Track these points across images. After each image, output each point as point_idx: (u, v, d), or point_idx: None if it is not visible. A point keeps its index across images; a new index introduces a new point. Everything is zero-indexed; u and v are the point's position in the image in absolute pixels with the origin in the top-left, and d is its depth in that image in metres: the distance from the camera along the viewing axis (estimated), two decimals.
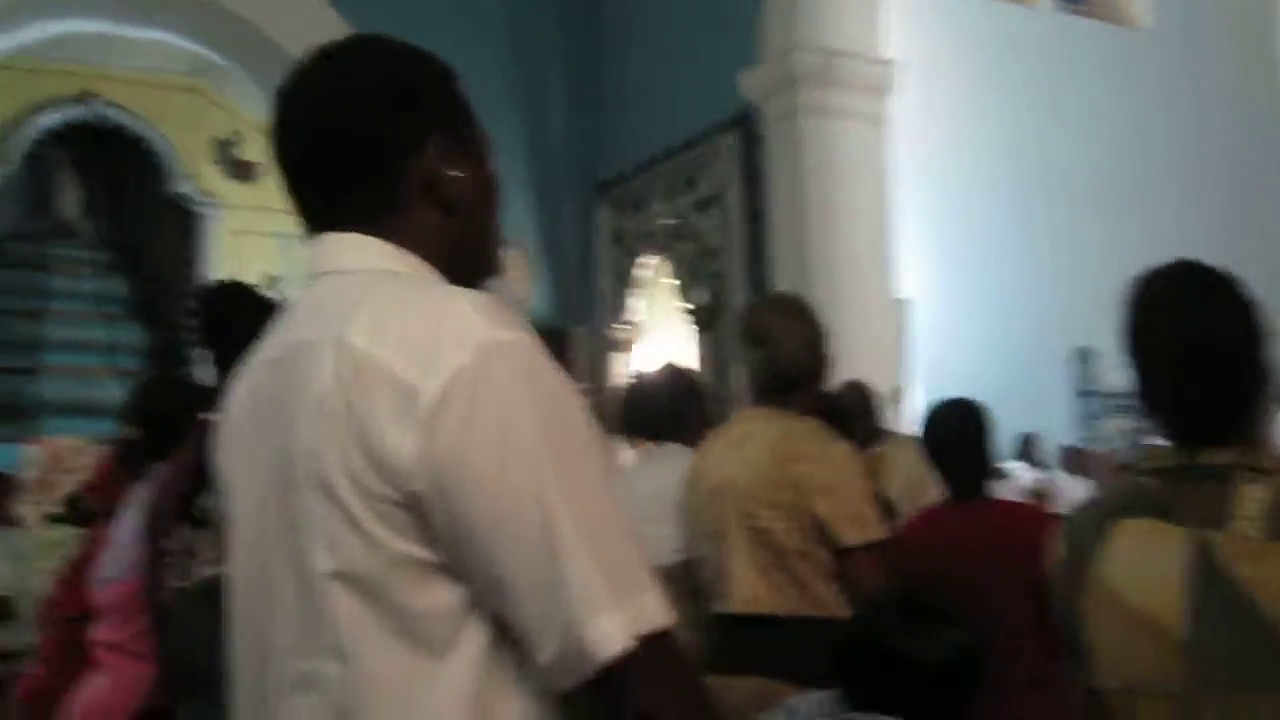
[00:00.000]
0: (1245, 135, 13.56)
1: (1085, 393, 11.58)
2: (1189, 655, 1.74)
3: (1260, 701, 1.69)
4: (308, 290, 1.36)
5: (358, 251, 1.33)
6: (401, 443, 1.16)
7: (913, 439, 3.99)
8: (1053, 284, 11.20)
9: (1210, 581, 1.73)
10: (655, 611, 1.19)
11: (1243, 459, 1.78)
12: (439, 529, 1.17)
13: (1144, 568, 1.80)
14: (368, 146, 1.33)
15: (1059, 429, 10.97)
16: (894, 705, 2.16)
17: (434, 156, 1.35)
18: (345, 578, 1.19)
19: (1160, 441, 1.88)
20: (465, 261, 1.39)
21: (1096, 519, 1.90)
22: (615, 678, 1.15)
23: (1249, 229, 12.55)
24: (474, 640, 1.20)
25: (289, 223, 1.41)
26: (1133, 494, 1.87)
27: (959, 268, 10.70)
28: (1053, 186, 11.67)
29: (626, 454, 4.07)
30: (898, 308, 8.01)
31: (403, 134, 1.34)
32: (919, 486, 3.88)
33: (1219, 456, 1.79)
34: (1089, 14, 12.88)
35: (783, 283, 7.47)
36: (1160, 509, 1.81)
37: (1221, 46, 13.42)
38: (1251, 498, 1.74)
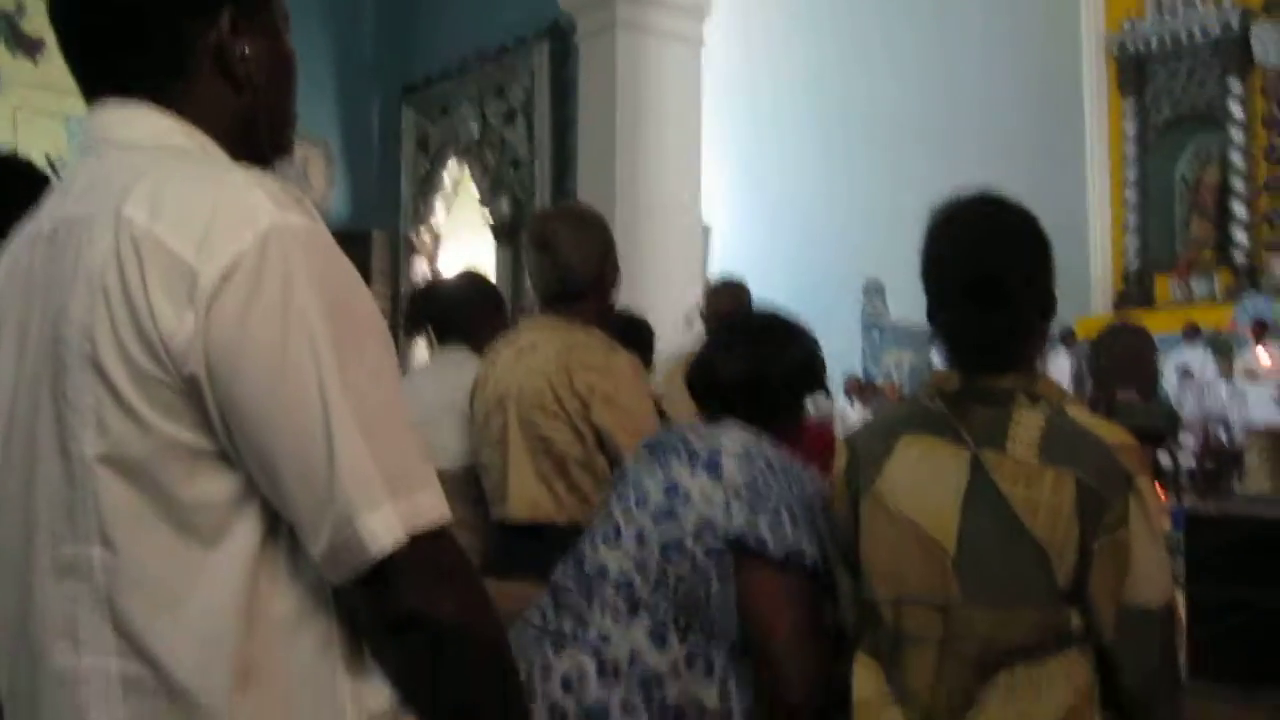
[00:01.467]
0: (1045, 88, 14.09)
1: (871, 325, 11.97)
2: (959, 569, 1.82)
3: (1022, 616, 1.79)
4: (83, 162, 1.28)
5: (140, 123, 1.26)
6: (178, 324, 1.11)
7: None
8: (848, 217, 11.50)
9: (983, 500, 1.81)
10: (431, 508, 1.17)
11: (1021, 385, 1.86)
12: (213, 414, 1.13)
13: (922, 484, 1.88)
14: (155, 8, 1.26)
15: (845, 359, 11.32)
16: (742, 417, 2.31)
17: (227, 27, 1.29)
18: (113, 461, 1.14)
19: (946, 366, 1.95)
20: (255, 140, 1.33)
21: (880, 435, 1.97)
22: (387, 573, 1.14)
23: (1050, 172, 13.09)
24: (246, 530, 1.17)
25: (78, 104, 1.33)
26: (917, 413, 1.94)
27: (760, 195, 10.89)
28: (857, 121, 11.95)
29: (413, 355, 4.03)
30: (699, 229, 8.09)
31: (194, 1, 1.28)
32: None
33: (1000, 382, 1.87)
34: None
35: (586, 198, 7.46)
36: (942, 429, 1.88)
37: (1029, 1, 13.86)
38: (1027, 423, 1.83)
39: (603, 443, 2.65)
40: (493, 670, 1.23)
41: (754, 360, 2.34)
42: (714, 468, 2.16)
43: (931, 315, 1.95)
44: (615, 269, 2.91)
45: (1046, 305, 1.92)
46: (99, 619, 1.16)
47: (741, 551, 2.11)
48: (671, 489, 2.18)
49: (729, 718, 2.12)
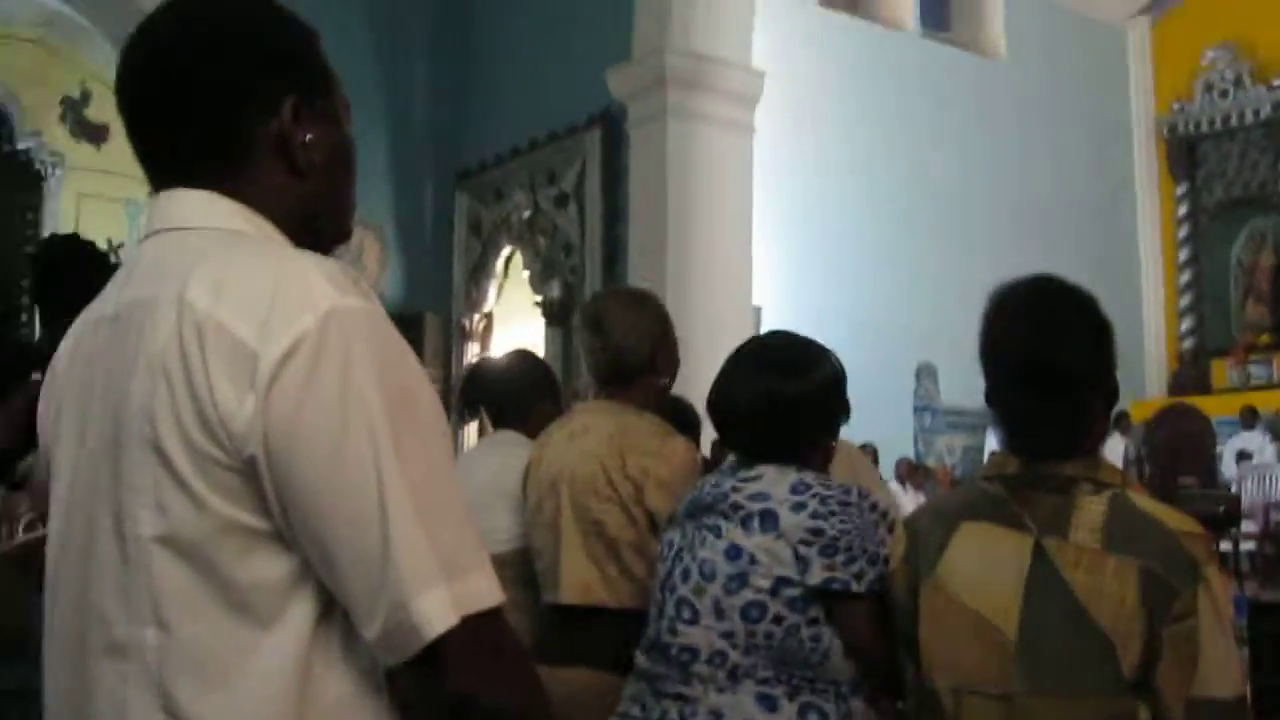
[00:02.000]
0: (1096, 171, 14.08)
1: (923, 408, 11.89)
2: (1020, 658, 1.78)
3: (1087, 705, 1.75)
4: (147, 246, 1.30)
5: (202, 208, 1.28)
6: (238, 406, 1.12)
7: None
8: (898, 301, 11.47)
9: (1046, 587, 1.78)
10: (485, 591, 1.16)
11: (1083, 471, 1.84)
12: (271, 496, 1.14)
13: (983, 570, 1.85)
14: (220, 98, 1.28)
15: (897, 443, 11.24)
16: (769, 451, 2.25)
17: (289, 116, 1.30)
18: (170, 542, 1.15)
19: (1005, 450, 1.93)
20: (315, 226, 1.35)
21: (939, 520, 1.95)
22: (441, 656, 1.13)
23: (1103, 255, 13.04)
24: (301, 612, 1.16)
25: (139, 189, 1.36)
26: (976, 498, 1.92)
27: (810, 279, 10.90)
28: (906, 207, 11.96)
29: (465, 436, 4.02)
30: (751, 314, 8.10)
31: (259, 89, 1.30)
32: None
33: (1061, 468, 1.85)
34: (951, 42, 13.22)
35: (637, 283, 7.49)
36: (1003, 515, 1.86)
37: (1076, 83, 13.91)
38: (1090, 509, 1.80)
39: (655, 527, 2.63)
40: None
41: (771, 385, 2.28)
42: (768, 522, 2.14)
43: (990, 400, 1.93)
44: (672, 351, 2.89)
45: (1109, 391, 1.90)
46: (148, 700, 1.16)
47: (827, 595, 2.10)
48: (733, 553, 2.16)
49: None
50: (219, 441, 1.13)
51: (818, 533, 2.11)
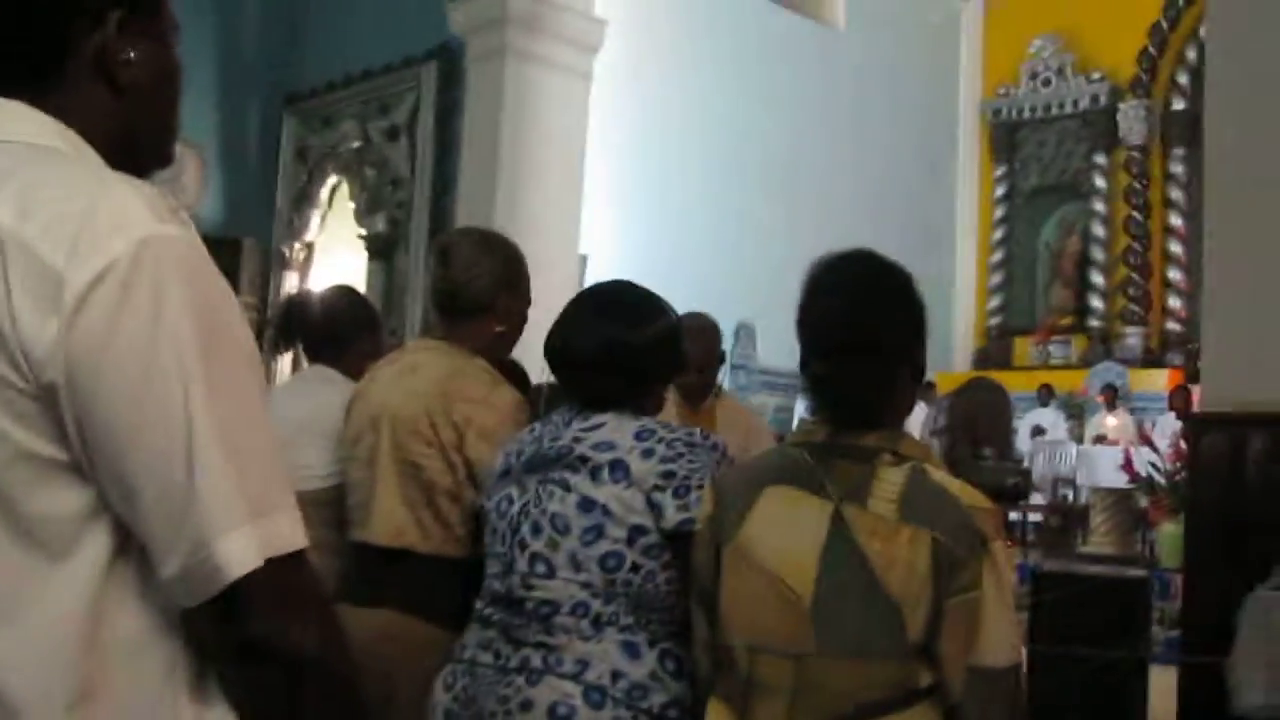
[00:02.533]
0: (923, 147, 14.44)
1: (739, 367, 12.09)
2: (814, 620, 1.84)
3: (874, 669, 1.82)
4: None
5: (14, 120, 1.21)
6: (40, 330, 1.07)
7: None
8: (723, 258, 11.60)
9: (842, 554, 1.84)
10: (290, 533, 1.15)
11: (886, 443, 1.90)
12: (70, 426, 1.10)
13: (784, 533, 1.90)
14: (41, 5, 1.22)
15: None
16: (608, 399, 2.28)
17: (113, 30, 1.25)
18: None
19: (813, 417, 1.98)
20: (133, 149, 1.29)
21: (746, 482, 1.99)
22: (240, 598, 1.11)
23: (920, 228, 13.40)
24: (95, 547, 1.13)
25: None
26: (783, 463, 1.97)
27: (637, 231, 10.94)
28: (737, 166, 12.09)
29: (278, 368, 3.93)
30: (577, 261, 8.10)
31: (80, 1, 1.24)
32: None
33: (865, 439, 1.91)
34: (793, 8, 13.36)
35: (465, 223, 7.43)
36: (806, 481, 1.91)
37: (910, 59, 14.22)
38: (889, 480, 1.86)
39: (473, 476, 2.60)
40: (340, 702, 1.20)
41: (615, 333, 2.29)
42: (619, 471, 2.17)
43: (804, 366, 1.98)
44: (517, 303, 2.83)
45: (916, 368, 1.96)
46: None
47: (681, 537, 2.13)
48: (586, 505, 2.18)
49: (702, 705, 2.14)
50: (16, 365, 1.08)
51: (669, 475, 2.16)
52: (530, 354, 2.92)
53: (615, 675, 2.12)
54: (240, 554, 1.10)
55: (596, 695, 2.11)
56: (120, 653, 1.14)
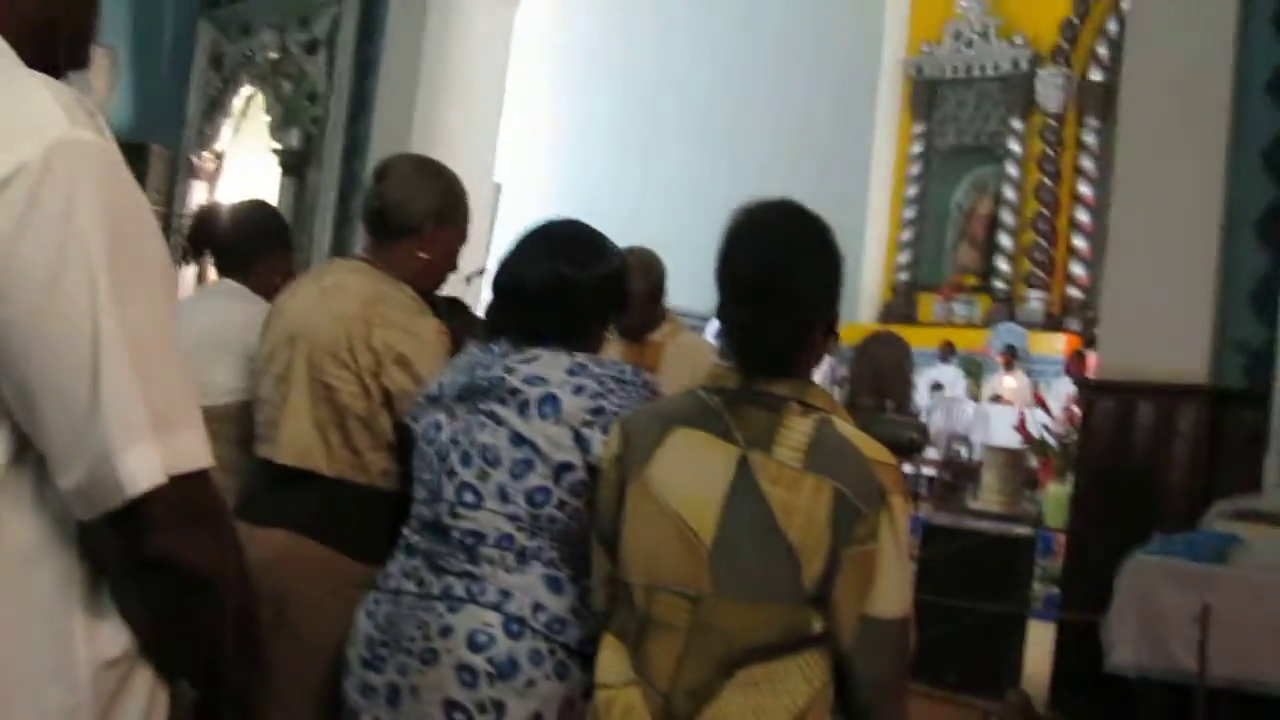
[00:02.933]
0: (844, 98, 14.48)
1: None
2: (713, 562, 1.86)
3: (768, 612, 1.85)
4: None
5: None
6: None
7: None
8: (635, 196, 11.58)
9: (745, 499, 1.86)
10: (195, 451, 1.14)
11: (795, 393, 1.92)
12: None
13: (689, 475, 1.92)
14: None
15: None
16: (547, 334, 2.27)
17: None
18: None
19: (726, 363, 1.99)
20: (50, 47, 1.26)
21: (654, 423, 2.01)
22: (140, 513, 1.10)
23: (834, 177, 13.46)
24: None
25: None
26: (693, 406, 1.98)
27: (550, 162, 10.88)
28: (655, 104, 12.04)
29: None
30: (492, 189, 8.03)
31: None
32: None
33: (775, 387, 1.92)
34: None
35: (381, 142, 7.33)
36: (714, 425, 1.93)
37: (838, 9, 14.21)
38: (796, 429, 1.89)
39: (389, 404, 2.58)
40: (234, 620, 1.21)
41: (562, 269, 2.29)
42: (548, 406, 2.18)
43: (719, 312, 1.99)
44: (449, 236, 2.78)
45: (830, 319, 1.98)
46: None
47: None
48: (515, 440, 2.18)
49: None
50: None
51: (598, 411, 2.17)
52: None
53: (536, 607, 2.15)
54: (144, 469, 1.09)
55: (516, 626, 2.13)
56: (13, 562, 1.13)
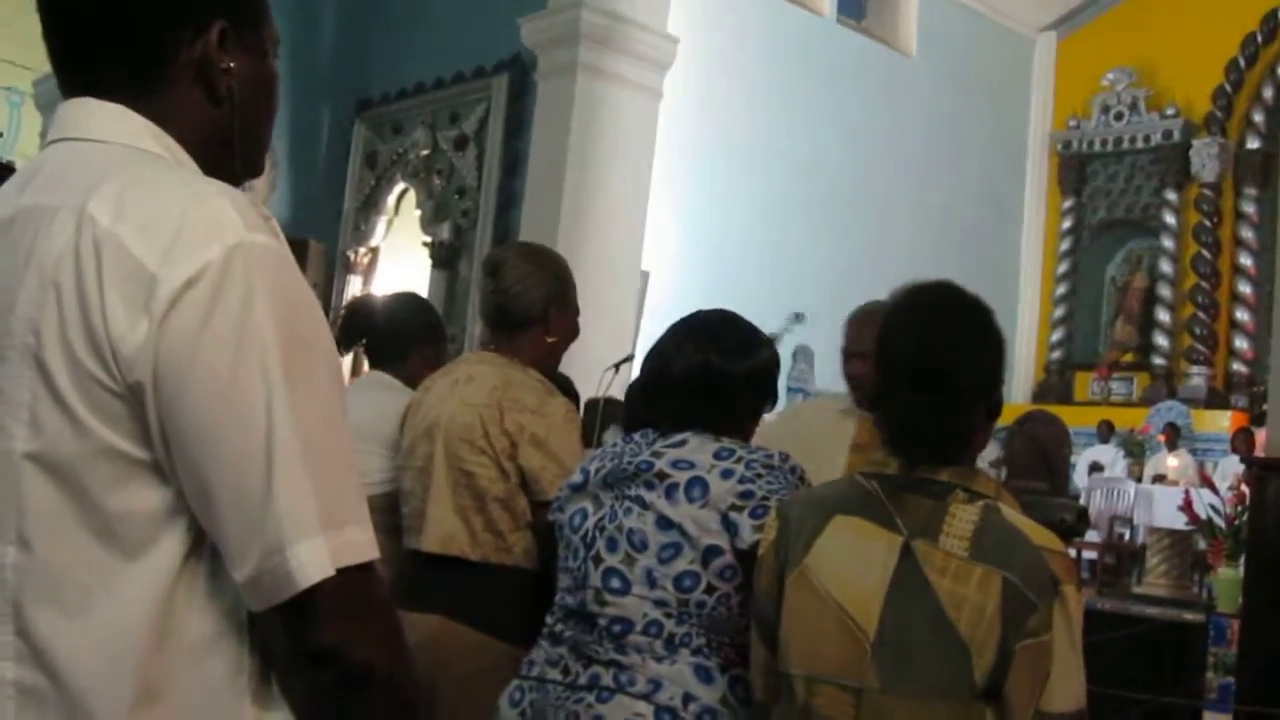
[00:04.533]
0: (990, 177, 14.34)
1: (796, 389, 12.04)
2: (877, 654, 1.82)
3: (935, 707, 1.79)
4: (50, 153, 1.25)
5: (114, 121, 1.23)
6: (130, 329, 1.09)
7: None
8: (782, 283, 11.56)
9: (910, 589, 1.82)
10: (363, 544, 1.15)
11: (959, 479, 1.88)
12: (153, 425, 1.11)
13: (851, 564, 1.88)
14: (150, 11, 1.24)
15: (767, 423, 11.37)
16: (694, 425, 2.27)
17: (215, 40, 1.27)
18: (42, 460, 1.12)
19: (887, 451, 1.96)
20: (227, 157, 1.31)
21: (813, 510, 1.98)
22: (310, 606, 1.11)
23: (984, 257, 13.30)
24: (169, 546, 1.14)
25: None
26: (852, 493, 1.95)
27: (698, 251, 10.94)
28: (799, 189, 12.05)
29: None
30: (639, 278, 8.12)
31: (189, 8, 1.26)
32: None
33: (939, 473, 1.88)
34: (865, 32, 13.33)
35: (530, 234, 7.47)
36: (876, 513, 1.89)
37: (981, 88, 14.14)
38: (962, 517, 1.84)
39: (526, 485, 2.63)
40: (403, 713, 1.21)
41: (712, 361, 2.29)
42: (695, 489, 2.17)
43: (879, 398, 1.96)
44: (568, 314, 2.87)
45: (993, 404, 1.94)
46: (2, 621, 1.13)
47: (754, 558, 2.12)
48: (663, 524, 2.18)
49: None
50: (105, 363, 1.10)
51: (747, 495, 2.15)
52: (579, 365, 2.95)
53: (687, 698, 2.11)
54: (313, 561, 1.11)
55: (668, 716, 2.10)
56: (187, 653, 1.15)
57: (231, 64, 1.28)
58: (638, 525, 2.20)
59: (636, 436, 2.34)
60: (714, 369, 2.29)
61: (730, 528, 2.14)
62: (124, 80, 1.25)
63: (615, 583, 2.20)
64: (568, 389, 4.07)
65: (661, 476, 2.21)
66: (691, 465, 2.19)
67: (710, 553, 2.15)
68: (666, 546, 2.17)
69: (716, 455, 2.20)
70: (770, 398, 2.42)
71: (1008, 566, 1.78)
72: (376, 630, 1.17)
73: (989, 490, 1.88)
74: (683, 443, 2.24)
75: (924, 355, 1.89)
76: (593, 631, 2.21)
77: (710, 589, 2.14)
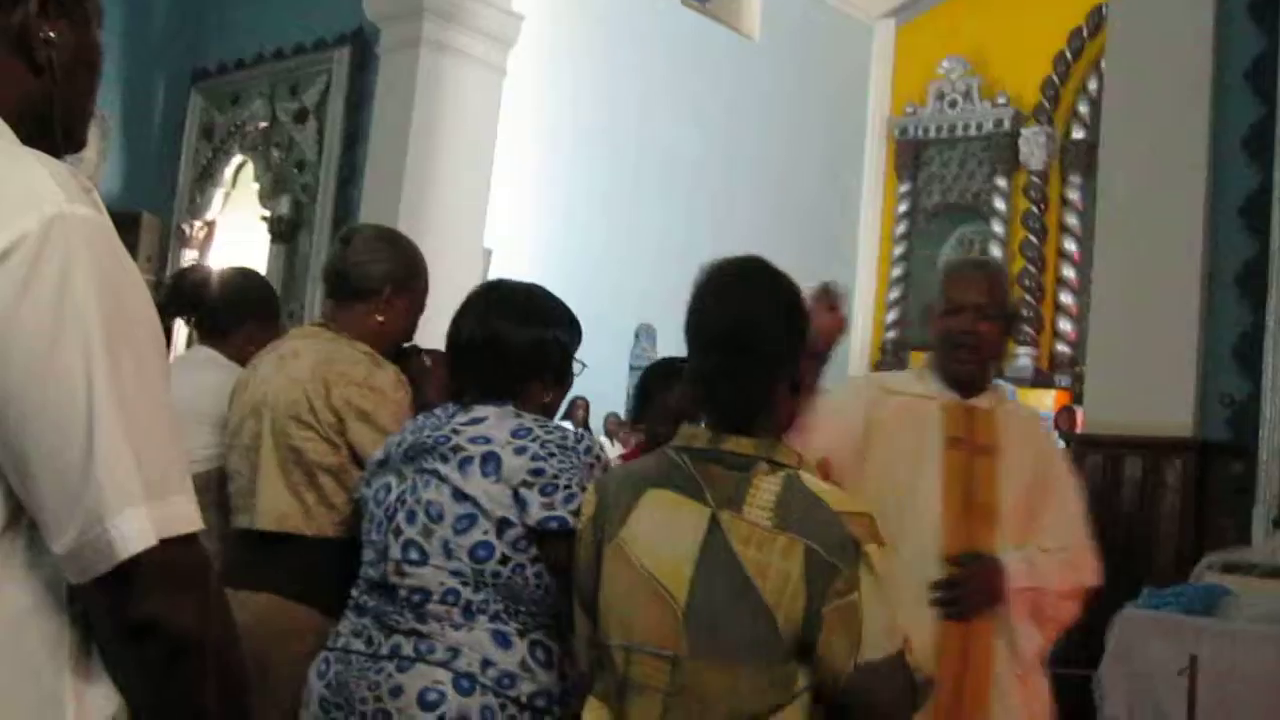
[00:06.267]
0: (829, 161, 14.61)
1: (638, 367, 12.14)
2: (688, 623, 1.88)
3: (745, 670, 1.85)
4: None
5: None
6: None
7: None
8: (624, 259, 11.65)
9: (717, 559, 1.87)
10: (186, 515, 1.15)
11: (763, 451, 1.94)
12: None
13: (663, 536, 1.93)
14: None
15: (610, 398, 11.46)
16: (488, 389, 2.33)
17: (35, 9, 1.25)
18: None
19: (696, 423, 2.01)
20: (47, 128, 1.29)
21: (627, 485, 2.03)
22: (130, 577, 1.11)
23: (821, 239, 13.55)
24: None
25: None
26: (664, 467, 2.00)
27: (540, 228, 10.96)
28: (641, 168, 12.14)
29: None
30: (481, 255, 8.09)
31: None
32: None
33: (742, 446, 1.94)
34: (710, 15, 13.45)
35: (371, 209, 7.39)
36: (685, 485, 1.94)
37: (821, 73, 14.37)
38: (765, 488, 1.90)
39: (357, 457, 2.62)
40: (225, 683, 1.22)
41: (495, 321, 2.36)
42: (489, 465, 2.21)
43: (687, 368, 2.02)
44: (406, 302, 2.85)
45: (794, 378, 1.99)
46: None
47: (545, 534, 2.19)
48: (458, 496, 2.22)
49: (573, 695, 2.20)
50: None
51: (537, 473, 2.20)
52: (421, 342, 2.95)
53: (485, 663, 2.17)
54: (134, 532, 1.11)
55: (466, 682, 2.15)
56: (4, 626, 1.14)
57: (52, 33, 1.27)
58: (434, 497, 2.24)
59: (438, 411, 2.39)
60: (496, 334, 2.35)
61: (520, 503, 2.19)
62: None
63: (414, 554, 2.24)
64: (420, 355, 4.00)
65: (457, 450, 2.25)
66: (488, 441, 2.24)
67: (504, 524, 2.20)
68: (462, 518, 2.21)
69: (514, 433, 2.25)
70: (559, 375, 2.45)
71: (809, 534, 1.84)
72: (198, 601, 1.17)
73: (790, 460, 1.94)
74: (483, 419, 2.29)
75: (725, 322, 1.96)
76: (394, 602, 2.25)
77: (505, 559, 2.20)
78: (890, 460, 2.74)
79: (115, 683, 1.20)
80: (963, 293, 2.87)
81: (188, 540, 1.15)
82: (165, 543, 1.12)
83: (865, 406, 2.87)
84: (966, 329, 2.82)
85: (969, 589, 2.68)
